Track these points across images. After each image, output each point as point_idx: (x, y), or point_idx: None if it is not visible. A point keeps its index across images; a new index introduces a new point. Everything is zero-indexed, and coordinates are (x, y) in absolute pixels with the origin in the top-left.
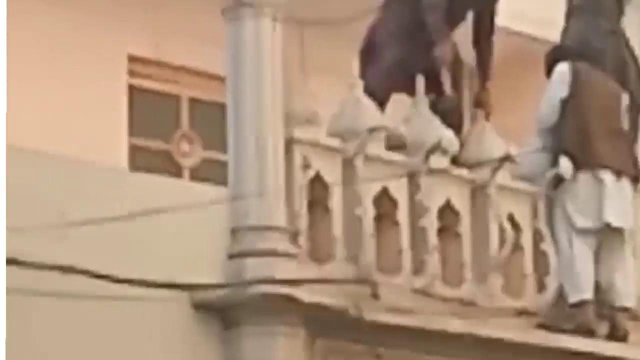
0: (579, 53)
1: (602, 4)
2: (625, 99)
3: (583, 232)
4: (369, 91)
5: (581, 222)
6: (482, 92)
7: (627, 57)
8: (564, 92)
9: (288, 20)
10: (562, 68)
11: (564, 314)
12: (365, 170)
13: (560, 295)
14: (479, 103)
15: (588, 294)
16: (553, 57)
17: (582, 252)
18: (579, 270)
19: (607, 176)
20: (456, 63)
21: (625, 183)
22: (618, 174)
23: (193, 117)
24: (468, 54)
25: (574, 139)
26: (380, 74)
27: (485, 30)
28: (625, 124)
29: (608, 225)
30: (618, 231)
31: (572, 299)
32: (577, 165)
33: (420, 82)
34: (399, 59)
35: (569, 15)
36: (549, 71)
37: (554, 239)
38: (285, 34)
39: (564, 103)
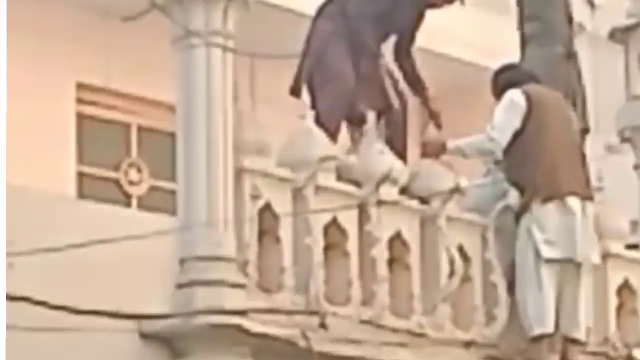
0: (530, 75)
1: (555, 29)
2: (574, 117)
3: (550, 262)
4: (320, 121)
5: (548, 252)
6: (431, 101)
7: (575, 82)
8: (516, 122)
9: (238, 51)
10: (514, 95)
11: (514, 346)
12: (316, 201)
13: (511, 326)
14: (432, 113)
15: (550, 328)
16: (504, 79)
17: (548, 284)
18: (544, 302)
19: (575, 204)
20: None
21: (589, 209)
22: (583, 199)
23: (142, 146)
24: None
25: (532, 171)
26: (330, 105)
27: (407, 48)
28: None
29: (572, 258)
30: (579, 263)
31: (535, 331)
32: (543, 198)
33: (371, 115)
34: (347, 89)
35: (522, 45)
36: (498, 92)
37: (519, 269)
38: (236, 64)
39: (518, 133)
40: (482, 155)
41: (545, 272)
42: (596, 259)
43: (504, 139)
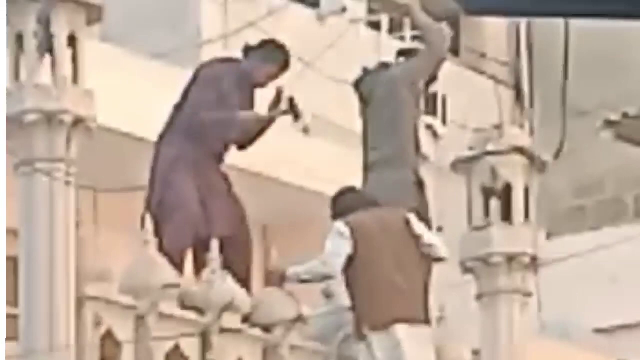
0: (368, 200)
1: (405, 156)
2: (414, 222)
3: None
4: (165, 250)
5: None
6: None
7: (425, 212)
8: (347, 247)
9: (80, 183)
10: (337, 226)
11: None
12: (158, 328)
13: None
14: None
15: None
16: (341, 204)
17: None
18: None
19: (401, 330)
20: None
21: (423, 332)
22: (413, 324)
23: None
24: None
25: (362, 299)
26: (175, 234)
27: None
28: (416, 257)
29: None
30: None
31: None
32: (370, 326)
33: (215, 243)
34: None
35: (365, 171)
36: (335, 217)
37: None
38: (78, 190)
39: (351, 261)
40: (319, 279)
41: None
42: None
43: (338, 263)
